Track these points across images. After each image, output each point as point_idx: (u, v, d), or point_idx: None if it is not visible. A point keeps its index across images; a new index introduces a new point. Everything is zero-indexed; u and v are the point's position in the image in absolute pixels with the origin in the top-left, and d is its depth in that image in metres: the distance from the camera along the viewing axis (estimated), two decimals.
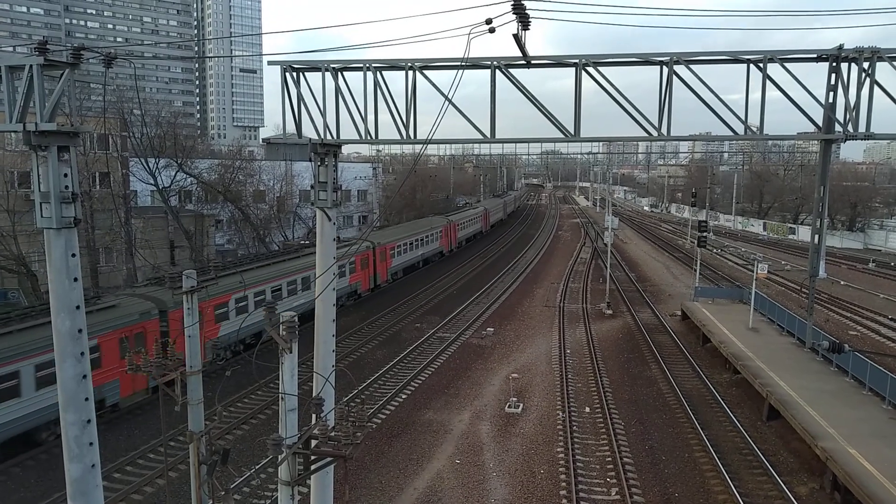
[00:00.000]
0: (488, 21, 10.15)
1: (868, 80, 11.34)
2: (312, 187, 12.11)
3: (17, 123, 9.23)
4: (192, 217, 57.55)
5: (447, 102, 11.46)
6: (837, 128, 11.70)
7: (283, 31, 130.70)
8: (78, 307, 9.36)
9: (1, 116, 9.59)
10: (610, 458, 23.60)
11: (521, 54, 11.36)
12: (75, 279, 9.36)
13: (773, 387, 26.90)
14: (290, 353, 7.29)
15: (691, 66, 11.63)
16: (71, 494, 9.62)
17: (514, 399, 28.78)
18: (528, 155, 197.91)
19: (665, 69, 11.65)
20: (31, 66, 9.11)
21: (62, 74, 9.33)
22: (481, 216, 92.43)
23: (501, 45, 11.79)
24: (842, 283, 57.22)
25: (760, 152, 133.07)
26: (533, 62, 11.68)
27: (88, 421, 9.54)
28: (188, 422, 10.39)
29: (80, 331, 9.40)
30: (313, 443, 7.15)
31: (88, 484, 9.62)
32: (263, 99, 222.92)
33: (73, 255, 9.33)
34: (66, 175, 9.22)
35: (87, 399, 9.50)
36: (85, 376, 9.48)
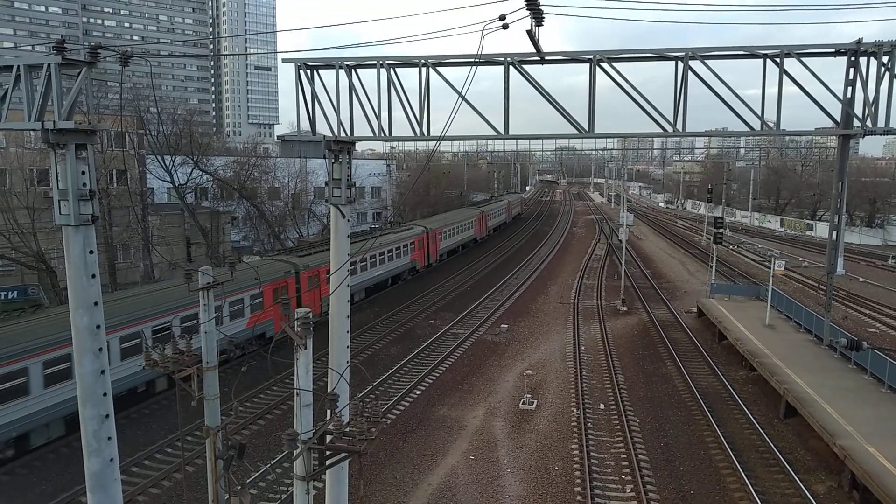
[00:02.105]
0: (502, 17, 10.12)
1: (888, 74, 11.17)
2: (327, 184, 12.16)
3: (36, 122, 9.36)
4: (208, 214, 58.02)
5: (461, 99, 11.45)
6: (856, 123, 11.55)
7: (297, 28, 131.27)
8: (96, 303, 9.47)
9: (20, 115, 9.71)
10: (625, 455, 23.52)
11: (534, 50, 11.32)
12: (93, 276, 9.47)
13: (790, 384, 26.66)
14: (305, 349, 7.35)
15: (707, 62, 11.52)
16: (90, 488, 9.75)
17: (529, 395, 28.76)
18: (543, 151, 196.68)
19: (680, 64, 11.55)
20: (49, 65, 9.23)
21: (79, 73, 9.44)
22: (411, 245, 55.26)
23: (515, 41, 11.81)
24: (860, 279, 56.53)
25: (777, 148, 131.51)
26: (547, 58, 11.63)
27: (107, 416, 9.66)
28: (205, 417, 10.51)
29: (98, 326, 9.51)
30: (328, 438, 7.19)
31: (107, 478, 9.76)
32: (278, 96, 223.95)
33: (91, 252, 9.45)
34: (83, 173, 9.33)
35: (105, 394, 9.62)
36: (103, 371, 9.60)
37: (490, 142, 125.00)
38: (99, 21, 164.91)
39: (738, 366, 33.14)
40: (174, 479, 21.62)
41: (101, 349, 9.56)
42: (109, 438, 9.71)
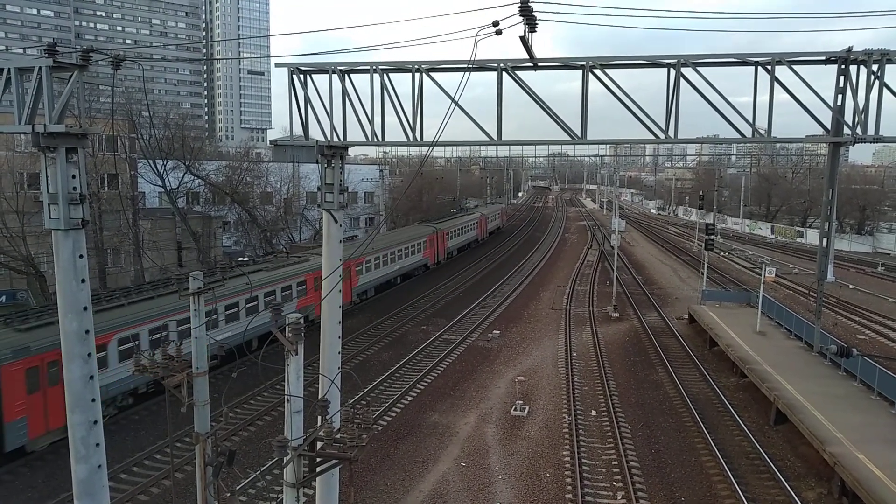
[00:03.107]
0: (495, 23, 10.15)
1: (877, 82, 11.27)
2: (319, 189, 12.13)
3: (27, 125, 9.29)
4: (200, 218, 57.77)
5: (454, 105, 11.46)
6: (846, 130, 11.64)
7: (290, 33, 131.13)
8: (85, 308, 9.39)
9: (10, 118, 9.63)
10: (616, 462, 23.50)
11: (528, 56, 11.36)
12: (83, 280, 9.39)
13: (780, 391, 26.74)
14: (296, 354, 7.30)
15: (699, 69, 11.58)
16: (77, 495, 9.65)
17: (520, 402, 28.71)
18: (535, 157, 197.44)
19: (672, 71, 11.61)
20: (40, 67, 9.16)
21: (71, 76, 9.38)
22: (301, 285, 38.21)
23: (509, 47, 11.82)
24: (850, 286, 56.86)
25: (768, 155, 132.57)
26: (540, 64, 11.66)
27: (95, 422, 9.57)
28: (194, 423, 10.42)
29: (87, 332, 9.43)
30: (319, 445, 7.15)
31: (95, 484, 9.66)
32: (271, 101, 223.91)
33: (81, 257, 9.37)
34: (74, 176, 9.26)
35: (93, 400, 9.53)
36: (92, 377, 9.51)
37: (483, 147, 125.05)
38: (91, 24, 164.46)
39: (729, 372, 33.23)
40: (163, 486, 21.44)
41: (90, 354, 9.48)
42: (97, 444, 9.62)
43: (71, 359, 9.38)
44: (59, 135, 9.09)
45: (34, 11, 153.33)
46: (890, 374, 26.05)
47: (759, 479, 22.30)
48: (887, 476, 19.32)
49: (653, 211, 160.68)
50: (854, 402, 25.53)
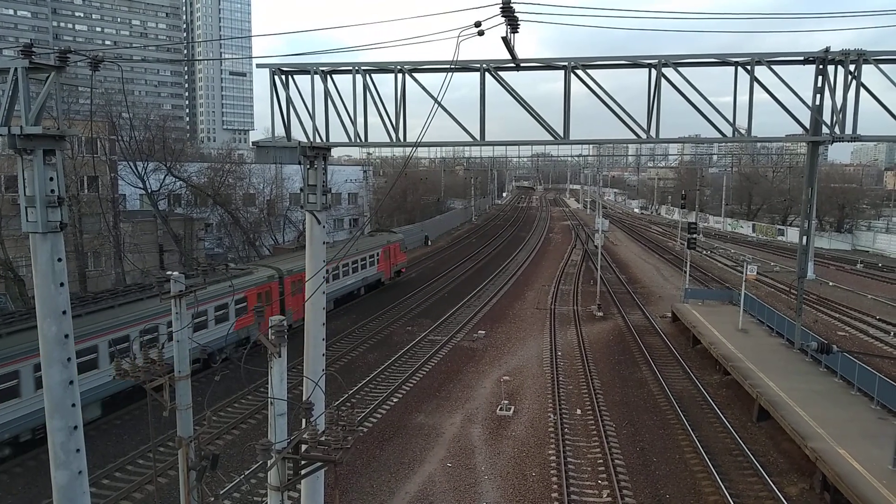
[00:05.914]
0: (477, 24, 10.15)
1: (854, 82, 11.43)
2: (302, 190, 12.06)
3: (2, 126, 9.14)
4: (182, 221, 57.26)
5: (437, 105, 11.45)
6: (824, 130, 11.79)
7: (272, 33, 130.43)
8: (64, 312, 9.26)
9: None
10: (601, 460, 23.61)
11: (510, 57, 11.38)
12: (61, 284, 9.27)
13: (762, 388, 27.02)
14: (280, 357, 7.25)
15: (679, 69, 11.67)
16: (58, 501, 9.52)
17: (506, 402, 28.76)
18: (519, 157, 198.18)
19: (653, 72, 11.69)
20: (15, 69, 9.03)
21: (48, 77, 9.26)
22: None
23: (492, 48, 11.85)
24: (830, 283, 57.59)
25: (749, 154, 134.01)
26: (522, 65, 11.69)
27: (75, 427, 9.44)
28: (177, 427, 10.31)
29: (66, 336, 9.30)
30: (303, 447, 7.10)
31: (76, 491, 9.53)
32: (253, 102, 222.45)
33: (60, 260, 9.25)
34: (52, 179, 9.14)
35: (73, 405, 9.41)
36: (71, 382, 9.38)
37: (467, 148, 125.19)
38: (70, 25, 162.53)
39: (712, 370, 33.52)
40: (146, 491, 21.21)
41: (69, 359, 9.34)
42: (78, 450, 9.49)
43: (50, 363, 9.25)
44: (35, 136, 8.96)
45: (10, 12, 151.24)
46: (869, 369, 26.44)
47: (743, 475, 22.51)
48: (867, 471, 19.59)
49: (636, 210, 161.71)
50: (835, 398, 25.86)
